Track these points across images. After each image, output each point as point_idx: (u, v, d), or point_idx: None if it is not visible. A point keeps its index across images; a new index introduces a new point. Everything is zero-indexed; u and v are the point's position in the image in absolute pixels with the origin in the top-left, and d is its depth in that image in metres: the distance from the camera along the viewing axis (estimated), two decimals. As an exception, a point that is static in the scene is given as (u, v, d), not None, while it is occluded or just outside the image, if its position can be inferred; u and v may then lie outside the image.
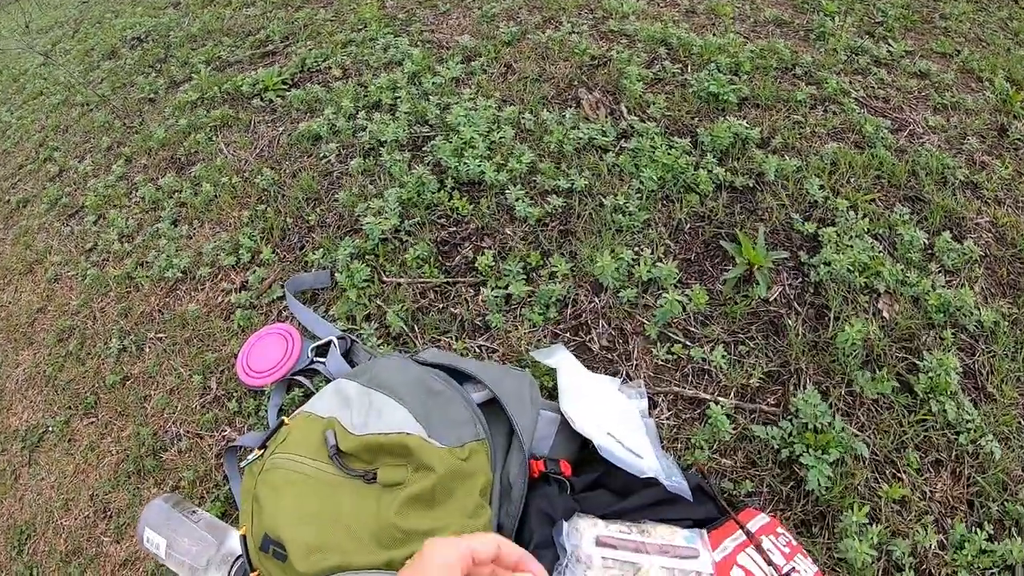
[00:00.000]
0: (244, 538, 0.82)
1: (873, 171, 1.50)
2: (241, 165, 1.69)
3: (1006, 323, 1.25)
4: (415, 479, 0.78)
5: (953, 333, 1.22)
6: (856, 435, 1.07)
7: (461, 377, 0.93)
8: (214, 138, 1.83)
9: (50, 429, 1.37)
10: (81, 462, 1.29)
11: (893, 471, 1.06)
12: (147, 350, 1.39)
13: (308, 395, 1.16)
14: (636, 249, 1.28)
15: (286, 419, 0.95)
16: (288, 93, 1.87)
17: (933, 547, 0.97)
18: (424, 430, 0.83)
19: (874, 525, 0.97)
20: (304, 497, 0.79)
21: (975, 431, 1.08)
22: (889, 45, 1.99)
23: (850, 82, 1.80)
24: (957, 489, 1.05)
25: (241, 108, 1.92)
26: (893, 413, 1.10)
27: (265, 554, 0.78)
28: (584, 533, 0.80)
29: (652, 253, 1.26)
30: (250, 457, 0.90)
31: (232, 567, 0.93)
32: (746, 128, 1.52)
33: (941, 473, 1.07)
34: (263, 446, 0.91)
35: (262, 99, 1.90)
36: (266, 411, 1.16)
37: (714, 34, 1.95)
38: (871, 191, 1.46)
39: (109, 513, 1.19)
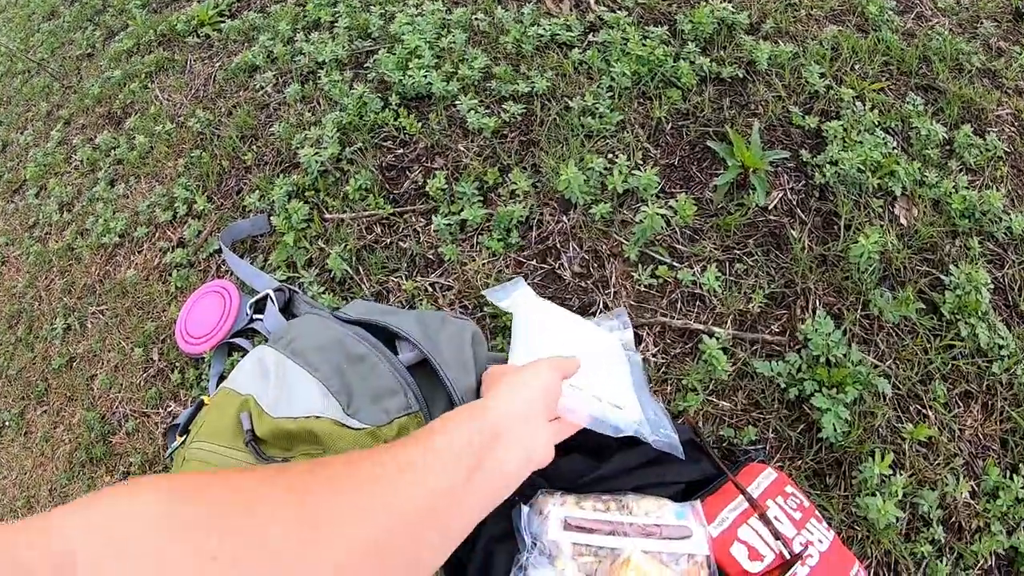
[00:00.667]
0: None
1: (880, 57, 1.13)
2: (176, 110, 1.35)
3: None
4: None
5: (980, 241, 0.92)
6: (876, 367, 0.79)
7: (391, 335, 0.64)
8: (149, 85, 1.47)
9: (6, 423, 1.14)
10: (38, 455, 1.06)
11: (918, 407, 0.79)
12: (89, 326, 1.12)
13: (247, 357, 0.89)
14: (609, 156, 0.96)
15: (206, 398, 0.70)
16: (224, 25, 1.48)
17: (964, 497, 0.73)
18: (341, 407, 0.56)
19: (897, 475, 0.72)
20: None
21: (1009, 358, 0.81)
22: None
23: (846, -41, 1.38)
24: (989, 425, 0.79)
25: (177, 49, 1.54)
26: (917, 339, 0.82)
27: None
28: (550, 516, 0.54)
29: (628, 160, 0.93)
30: (173, 444, 0.69)
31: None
32: (732, 12, 1.14)
33: (971, 407, 0.80)
34: (185, 430, 0.68)
35: (198, 35, 1.51)
36: (208, 381, 0.90)
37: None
38: (879, 79, 1.10)
39: None
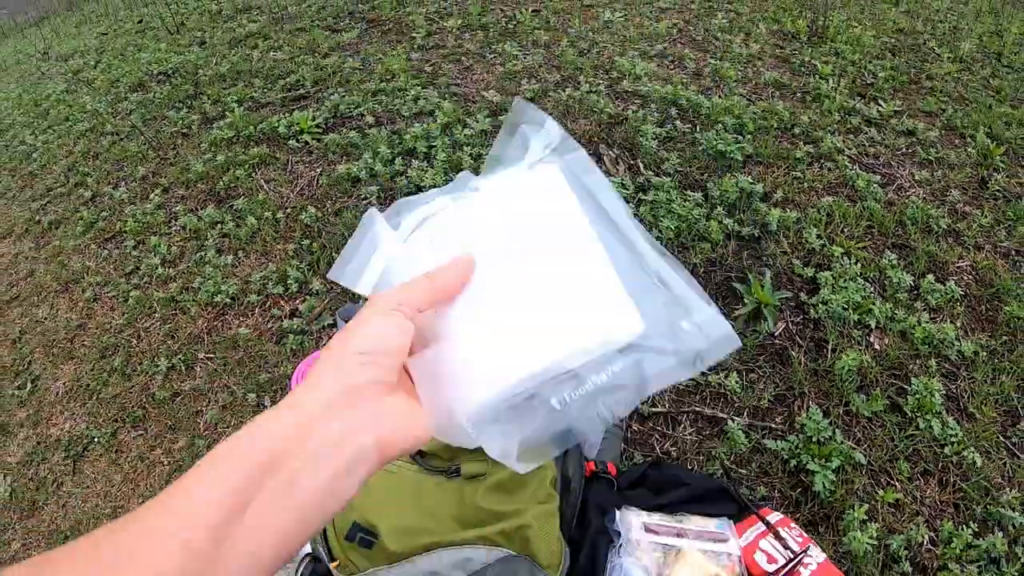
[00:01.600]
0: (323, 530, 1.02)
1: (864, 221, 1.83)
2: (283, 201, 1.97)
3: (984, 353, 1.54)
4: (495, 470, 1.01)
5: (937, 362, 1.50)
6: (854, 448, 1.33)
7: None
8: (253, 175, 2.11)
9: (95, 440, 1.55)
10: (130, 471, 1.47)
11: (887, 479, 1.31)
12: (197, 369, 1.61)
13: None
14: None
15: None
16: (324, 137, 2.17)
17: (925, 542, 1.22)
18: None
19: (872, 523, 1.21)
20: (392, 490, 1.00)
21: (958, 444, 1.35)
22: (879, 105, 2.39)
23: (843, 141, 2.17)
24: (944, 494, 1.31)
25: (278, 148, 2.21)
26: (885, 429, 1.36)
27: (350, 543, 0.96)
28: (633, 521, 1.03)
29: (672, 288, 1.54)
30: None
31: (299, 565, 1.13)
32: (751, 183, 1.85)
33: (929, 481, 1.32)
34: None
35: (298, 141, 2.20)
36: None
37: (719, 96, 2.34)
38: (863, 239, 1.78)
39: None
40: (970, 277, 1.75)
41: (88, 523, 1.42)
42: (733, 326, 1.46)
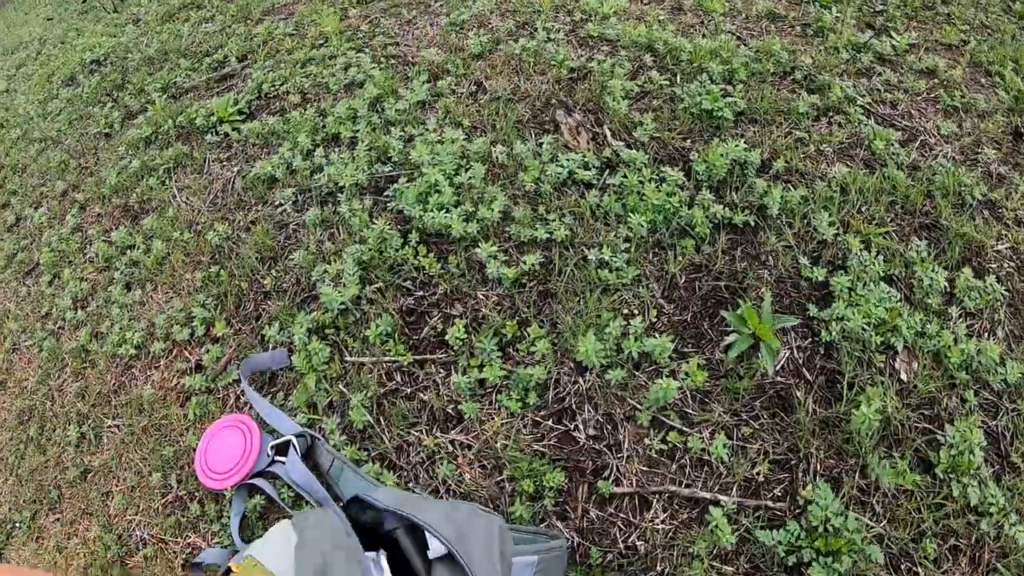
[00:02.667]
0: None
1: (886, 196, 1.27)
2: (194, 215, 1.47)
3: None
4: None
5: (976, 391, 1.03)
6: (871, 530, 0.89)
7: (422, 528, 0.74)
8: (167, 182, 1.60)
9: (17, 525, 1.23)
10: (50, 564, 1.15)
11: (908, 564, 0.89)
12: (105, 440, 1.22)
13: (271, 501, 0.99)
14: (625, 312, 1.07)
15: (234, 566, 0.79)
16: (243, 126, 1.62)
17: None
18: None
19: None
20: None
21: (998, 513, 0.92)
22: (892, 38, 1.71)
23: (854, 86, 1.54)
24: (975, 574, 0.89)
25: (195, 144, 1.67)
26: (911, 500, 0.92)
27: None
28: None
29: (643, 319, 1.05)
30: None
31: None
32: (744, 151, 1.28)
33: (959, 560, 0.90)
34: None
35: (216, 132, 1.65)
36: (228, 518, 0.99)
37: (704, 35, 1.67)
38: (884, 222, 1.23)
39: None
40: (1011, 265, 1.22)
41: None
42: (723, 361, 0.96)
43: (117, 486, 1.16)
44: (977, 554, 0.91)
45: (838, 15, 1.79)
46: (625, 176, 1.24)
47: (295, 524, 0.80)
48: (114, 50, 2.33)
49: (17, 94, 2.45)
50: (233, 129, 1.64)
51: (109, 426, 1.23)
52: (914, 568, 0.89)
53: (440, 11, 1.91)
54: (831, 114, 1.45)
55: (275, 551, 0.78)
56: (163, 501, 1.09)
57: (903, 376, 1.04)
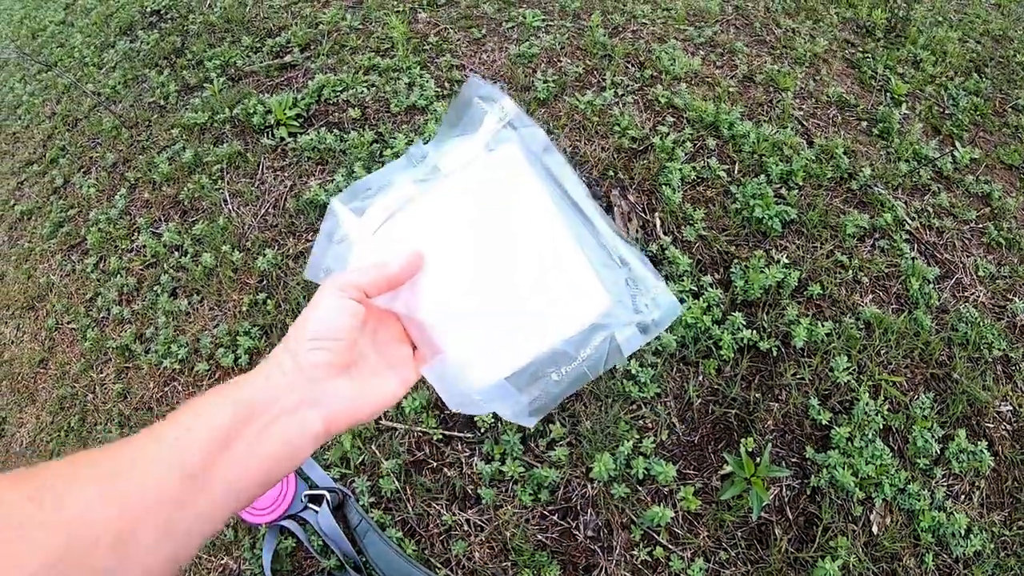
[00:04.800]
0: None
1: (908, 340, 1.33)
2: (244, 230, 1.52)
3: (992, 546, 1.17)
4: None
5: (935, 558, 1.15)
6: None
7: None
8: (219, 182, 1.64)
9: None
10: None
11: None
12: None
13: (299, 545, 1.13)
14: (640, 424, 1.17)
15: None
16: (300, 137, 1.63)
17: None
18: None
19: None
20: None
21: None
22: (955, 150, 1.70)
23: (906, 203, 1.55)
24: None
25: (250, 144, 1.70)
26: None
27: None
28: None
29: (654, 438, 1.15)
30: None
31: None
32: (784, 271, 1.33)
33: None
34: None
35: (272, 135, 1.67)
36: (260, 551, 1.13)
37: (769, 119, 1.65)
38: (899, 369, 1.30)
39: None
40: (1008, 429, 1.31)
41: None
42: (717, 489, 1.07)
43: None
44: None
45: (907, 113, 1.76)
46: (667, 282, 1.29)
47: None
48: (175, 5, 2.26)
49: (74, 30, 2.40)
50: (290, 135, 1.66)
51: None
52: None
53: (510, 35, 1.87)
54: (876, 236, 1.48)
55: None
56: None
57: (874, 529, 1.16)
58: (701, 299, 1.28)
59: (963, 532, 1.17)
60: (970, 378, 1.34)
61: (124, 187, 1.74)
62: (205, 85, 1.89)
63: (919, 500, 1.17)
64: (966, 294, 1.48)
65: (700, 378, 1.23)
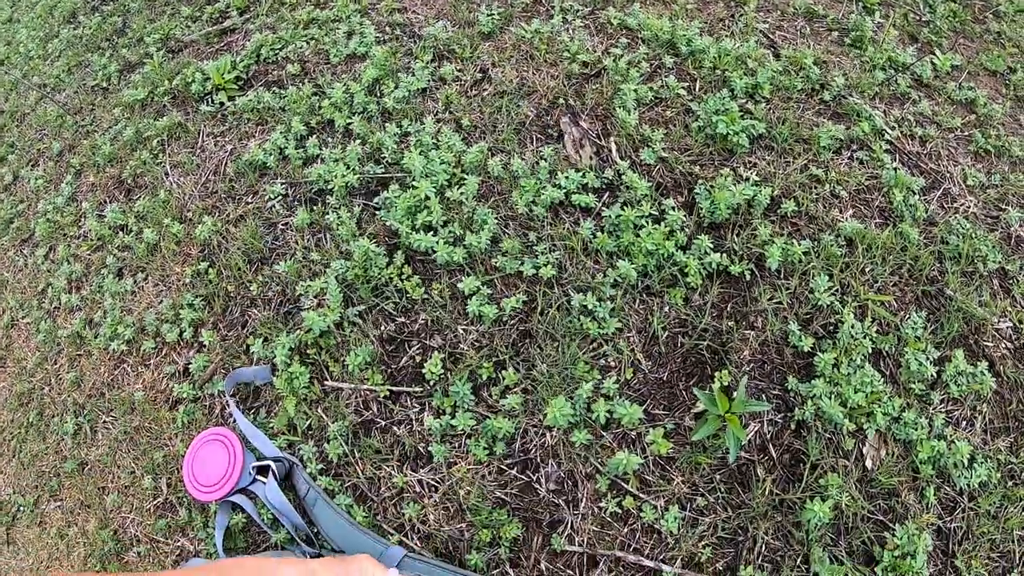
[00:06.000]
0: None
1: (894, 256, 1.13)
2: (185, 200, 1.35)
3: (997, 476, 0.99)
4: None
5: (938, 486, 0.98)
6: None
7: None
8: (160, 156, 1.46)
9: (21, 508, 1.27)
10: (53, 549, 1.20)
11: None
12: (100, 435, 1.23)
13: (250, 521, 0.99)
14: (602, 364, 0.99)
15: None
16: (239, 99, 1.44)
17: None
18: None
19: None
20: None
21: None
22: (935, 57, 1.45)
23: (885, 113, 1.32)
24: None
25: (190, 113, 1.51)
26: None
27: None
28: None
29: (617, 377, 0.97)
30: None
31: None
32: (754, 188, 1.13)
33: None
34: None
35: (211, 101, 1.48)
36: (214, 529, 1.00)
37: (732, 34, 1.41)
38: (887, 287, 1.11)
39: None
40: (1009, 347, 1.12)
41: None
42: (690, 429, 0.89)
43: (112, 482, 1.18)
44: None
45: (881, 21, 1.51)
46: (624, 208, 1.10)
47: None
48: (115, -17, 2.04)
49: (20, 26, 2.20)
50: (229, 99, 1.47)
51: (104, 421, 1.23)
52: None
53: (453, -28, 1.62)
54: (854, 148, 1.27)
55: None
56: (154, 503, 1.11)
57: (868, 464, 0.98)
58: (663, 224, 1.09)
59: (966, 461, 1.00)
60: (965, 294, 1.14)
61: (70, 174, 1.58)
62: (145, 61, 1.69)
63: (916, 429, 0.99)
64: (955, 205, 1.26)
65: (666, 309, 1.04)
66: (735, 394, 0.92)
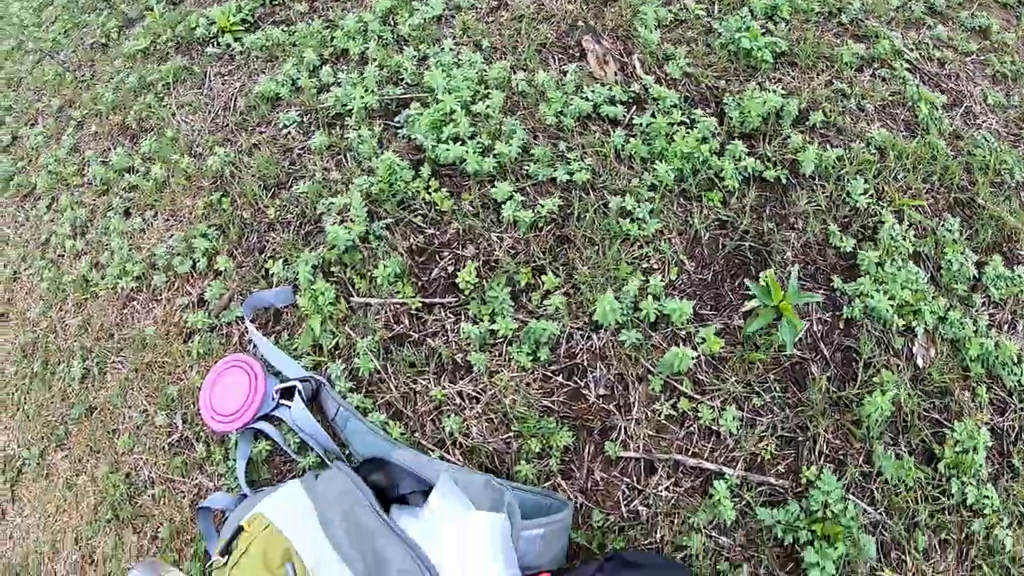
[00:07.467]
0: None
1: (924, 165, 1.06)
2: (194, 137, 1.24)
3: None
4: None
5: (988, 386, 0.91)
6: (868, 516, 0.79)
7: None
8: (166, 98, 1.34)
9: (27, 462, 1.12)
10: (61, 501, 1.05)
11: (898, 553, 0.80)
12: (109, 376, 1.09)
13: (275, 447, 0.88)
14: (645, 266, 0.90)
15: (244, 524, 0.71)
16: (246, 37, 1.33)
17: None
18: None
19: None
20: None
21: (991, 515, 0.82)
22: (948, -16, 1.40)
23: (902, 36, 1.26)
24: (960, 570, 0.81)
25: (195, 56, 1.39)
26: (910, 492, 0.82)
27: None
28: None
29: (663, 277, 0.88)
30: (212, 562, 0.71)
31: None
32: (782, 98, 1.05)
33: (947, 554, 0.82)
34: (226, 550, 0.70)
35: (217, 44, 1.37)
36: (234, 461, 0.88)
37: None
38: (920, 193, 1.04)
39: (95, 560, 0.97)
40: None
41: (33, 558, 1.04)
42: (740, 327, 0.81)
43: (123, 424, 1.05)
44: (965, 550, 0.84)
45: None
46: (654, 116, 1.02)
47: (306, 487, 0.70)
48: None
49: (10, 0, 2.05)
50: (236, 40, 1.35)
51: (113, 361, 1.10)
52: (903, 557, 0.81)
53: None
54: (876, 66, 1.20)
55: (285, 511, 0.70)
56: (169, 441, 0.98)
57: (919, 362, 0.90)
58: (695, 129, 1.00)
59: (1015, 359, 0.92)
60: (995, 203, 1.07)
61: (71, 127, 1.44)
62: (145, 14, 1.57)
63: (963, 328, 0.92)
64: (978, 122, 1.20)
65: (705, 211, 0.96)
66: (787, 285, 0.84)
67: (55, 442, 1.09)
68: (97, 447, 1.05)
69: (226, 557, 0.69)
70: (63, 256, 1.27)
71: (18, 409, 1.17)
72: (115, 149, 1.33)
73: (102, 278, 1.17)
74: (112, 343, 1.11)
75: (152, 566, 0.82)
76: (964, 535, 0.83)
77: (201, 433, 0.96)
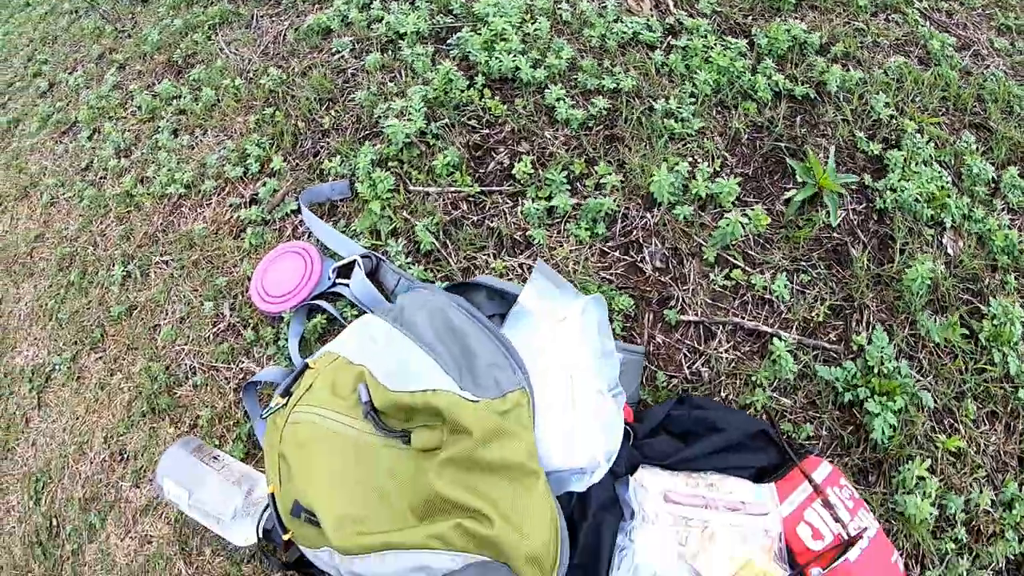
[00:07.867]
0: (273, 496, 0.59)
1: (939, 91, 1.16)
2: (244, 65, 1.30)
3: None
4: (451, 442, 0.53)
5: (1016, 277, 0.96)
6: (918, 381, 0.83)
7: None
8: (213, 37, 1.41)
9: (57, 367, 1.09)
10: (92, 401, 1.03)
11: (951, 420, 0.84)
12: (153, 276, 1.09)
13: (331, 322, 0.89)
14: (691, 160, 0.97)
15: (311, 362, 0.69)
16: (293, -18, 1.42)
17: (985, 504, 0.79)
18: (455, 381, 0.57)
19: (930, 480, 0.76)
20: (336, 458, 0.56)
21: None
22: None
23: (910, -12, 1.40)
24: (1010, 444, 0.85)
25: (240, 2, 1.47)
26: (955, 360, 0.87)
27: (297, 519, 0.55)
28: (650, 489, 0.58)
29: (708, 166, 0.95)
30: (272, 405, 0.67)
31: (262, 516, 0.71)
32: (805, 32, 1.15)
33: (996, 426, 0.85)
34: (287, 392, 0.66)
35: (264, -9, 1.45)
36: (286, 340, 0.89)
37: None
38: (937, 113, 1.13)
39: (125, 456, 0.95)
40: None
41: (57, 463, 1.01)
42: (783, 212, 0.87)
43: (165, 319, 1.04)
44: (1012, 423, 0.87)
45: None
46: (690, 39, 1.11)
47: (381, 312, 0.71)
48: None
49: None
50: (282, -16, 1.44)
51: (156, 263, 1.10)
52: (955, 424, 0.84)
53: None
54: (888, 11, 1.32)
55: (355, 343, 0.69)
56: (214, 330, 0.98)
57: (950, 251, 0.97)
58: (729, 50, 1.10)
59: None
60: (1007, 127, 1.18)
61: (113, 68, 1.50)
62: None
63: (985, 223, 0.99)
64: (986, 63, 1.32)
65: (742, 117, 1.03)
66: (827, 164, 0.91)
67: (89, 345, 1.08)
68: (135, 344, 1.04)
69: (286, 399, 0.65)
70: (106, 176, 1.29)
71: (50, 318, 1.15)
72: (160, 83, 1.38)
73: (147, 190, 1.19)
74: (156, 247, 1.12)
75: (187, 443, 0.81)
76: (1010, 408, 0.87)
77: (250, 319, 0.96)
